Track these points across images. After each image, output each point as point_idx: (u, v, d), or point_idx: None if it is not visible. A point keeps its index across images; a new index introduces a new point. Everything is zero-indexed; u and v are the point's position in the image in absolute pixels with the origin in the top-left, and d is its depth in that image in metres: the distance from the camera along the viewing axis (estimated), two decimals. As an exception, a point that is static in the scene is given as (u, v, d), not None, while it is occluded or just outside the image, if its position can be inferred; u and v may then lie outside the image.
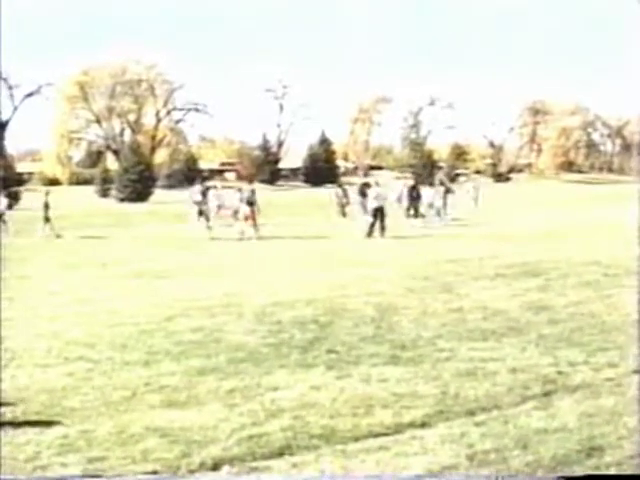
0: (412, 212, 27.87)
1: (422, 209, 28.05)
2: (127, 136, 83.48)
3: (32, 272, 15.54)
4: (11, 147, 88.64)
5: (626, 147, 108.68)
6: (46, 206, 25.16)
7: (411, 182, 30.73)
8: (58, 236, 24.34)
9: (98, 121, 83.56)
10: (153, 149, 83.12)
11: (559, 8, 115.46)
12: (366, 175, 77.13)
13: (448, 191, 30.67)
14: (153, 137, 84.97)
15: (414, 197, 27.96)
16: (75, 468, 5.17)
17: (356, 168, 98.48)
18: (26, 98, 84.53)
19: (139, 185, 63.18)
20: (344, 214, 30.28)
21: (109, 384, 7.06)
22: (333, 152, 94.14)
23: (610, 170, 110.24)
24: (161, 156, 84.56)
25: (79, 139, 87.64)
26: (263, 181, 79.90)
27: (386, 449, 5.40)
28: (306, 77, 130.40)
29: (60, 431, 5.80)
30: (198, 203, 24.02)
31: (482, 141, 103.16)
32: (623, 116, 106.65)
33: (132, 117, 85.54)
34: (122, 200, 61.25)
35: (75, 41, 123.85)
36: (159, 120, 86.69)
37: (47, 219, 25.09)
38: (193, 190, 25.22)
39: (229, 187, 35.44)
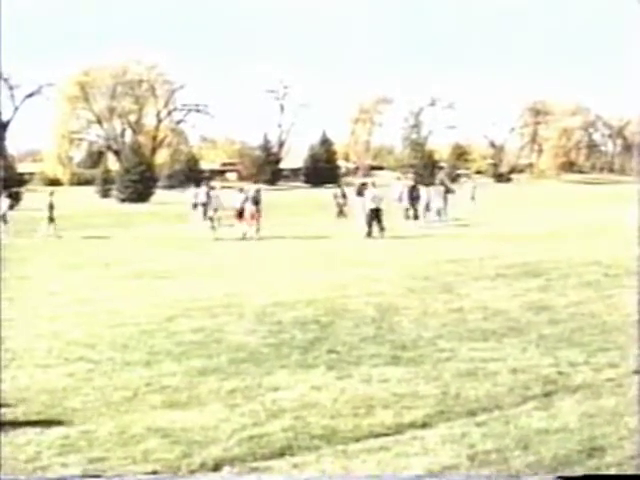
0: (412, 212, 27.86)
1: (422, 209, 28.06)
2: (128, 136, 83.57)
3: (33, 272, 15.54)
4: (12, 147, 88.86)
5: (627, 147, 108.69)
6: (50, 206, 25.32)
7: (411, 182, 30.72)
8: (58, 236, 24.40)
9: (99, 121, 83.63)
10: (154, 149, 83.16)
11: (559, 8, 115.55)
12: (367, 175, 77.09)
13: (448, 191, 30.68)
14: (154, 137, 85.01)
15: (414, 197, 27.96)
16: (76, 468, 5.16)
17: (357, 168, 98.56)
18: (27, 98, 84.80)
19: (140, 185, 63.17)
20: (342, 214, 30.29)
21: (110, 384, 7.06)
22: (334, 152, 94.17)
23: (611, 170, 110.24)
24: (162, 156, 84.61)
25: (80, 139, 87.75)
26: (264, 181, 79.84)
27: (387, 449, 5.40)
28: (307, 77, 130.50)
29: (61, 431, 5.81)
30: (203, 204, 24.04)
31: (483, 141, 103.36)
32: (624, 116, 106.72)
33: (133, 117, 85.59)
34: (123, 200, 61.27)
35: (76, 41, 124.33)
36: (160, 120, 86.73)
37: (51, 219, 25.22)
38: (199, 191, 25.23)
39: (229, 187, 35.49)
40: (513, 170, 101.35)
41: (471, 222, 26.89)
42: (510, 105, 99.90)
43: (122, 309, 10.88)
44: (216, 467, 5.19)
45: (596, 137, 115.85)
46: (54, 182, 73.66)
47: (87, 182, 78.55)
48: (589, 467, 5.02)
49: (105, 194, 68.31)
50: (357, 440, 5.58)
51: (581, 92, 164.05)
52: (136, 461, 5.26)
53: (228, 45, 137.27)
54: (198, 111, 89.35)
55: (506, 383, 6.83)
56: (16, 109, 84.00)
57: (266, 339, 8.71)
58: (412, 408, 6.21)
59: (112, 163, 79.19)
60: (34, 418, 6.14)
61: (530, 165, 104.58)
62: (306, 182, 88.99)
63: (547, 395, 6.49)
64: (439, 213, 28.72)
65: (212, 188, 28.30)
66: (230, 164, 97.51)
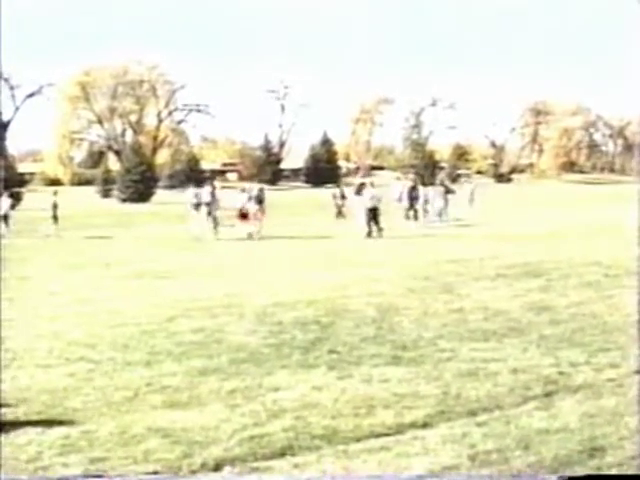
0: (412, 213, 27.85)
1: (422, 209, 28.07)
2: (129, 137, 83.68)
3: (33, 272, 15.55)
4: (13, 147, 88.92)
5: (628, 147, 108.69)
6: (54, 206, 25.54)
7: (410, 183, 30.70)
8: (59, 236, 24.49)
9: (100, 121, 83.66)
10: (155, 150, 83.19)
11: (559, 8, 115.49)
12: (368, 175, 77.09)
13: (449, 191, 30.66)
14: (155, 138, 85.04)
15: (414, 197, 27.96)
16: (77, 468, 5.16)
17: (358, 168, 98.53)
18: (27, 98, 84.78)
19: (141, 186, 63.25)
20: (341, 215, 30.29)
21: (110, 384, 7.06)
22: (335, 152, 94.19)
23: (612, 170, 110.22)
24: (163, 157, 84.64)
25: (81, 139, 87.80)
26: (265, 181, 79.80)
27: (388, 449, 5.40)
28: (308, 77, 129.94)
29: (61, 431, 5.80)
30: (207, 203, 24.05)
31: (484, 141, 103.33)
32: (625, 116, 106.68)
33: (134, 117, 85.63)
34: (124, 200, 61.34)
35: (76, 41, 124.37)
36: (161, 120, 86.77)
37: (56, 218, 25.41)
38: (199, 191, 25.24)
39: (229, 187, 35.49)
40: (514, 170, 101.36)
41: (471, 222, 26.89)
42: (511, 105, 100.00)
43: (123, 309, 10.89)
44: (217, 467, 5.19)
45: (597, 137, 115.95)
46: (55, 182, 73.64)
47: (88, 182, 78.58)
48: (590, 467, 5.02)
49: (106, 194, 68.37)
50: (358, 440, 5.58)
51: (582, 92, 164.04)
52: (137, 461, 5.26)
53: (229, 45, 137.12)
54: (199, 111, 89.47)
55: (507, 383, 6.83)
56: (17, 109, 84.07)
57: (267, 339, 8.72)
58: (413, 408, 6.21)
59: (113, 163, 79.27)
60: (35, 418, 6.14)
61: (531, 165, 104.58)
62: (307, 182, 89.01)
63: (548, 395, 6.49)
64: (439, 213, 28.75)
65: (214, 188, 28.30)
66: (231, 164, 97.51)
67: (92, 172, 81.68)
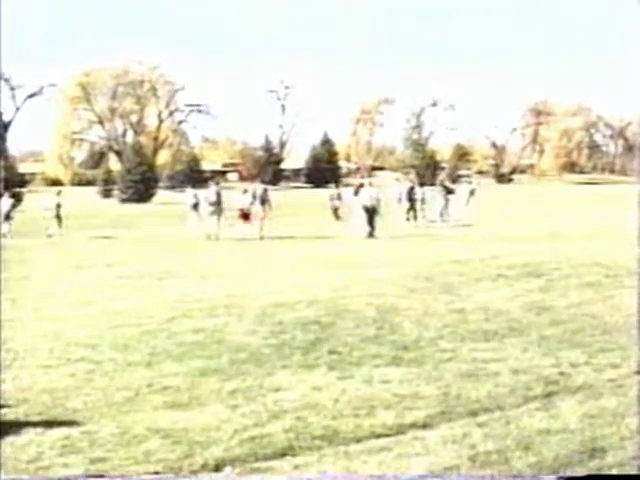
0: (412, 213, 27.84)
1: (420, 210, 28.06)
2: (129, 137, 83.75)
3: (34, 273, 15.56)
4: (13, 148, 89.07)
5: (628, 148, 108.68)
6: (58, 206, 25.71)
7: (408, 184, 30.64)
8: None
9: (100, 122, 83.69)
10: (155, 150, 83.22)
11: (559, 8, 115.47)
12: (368, 176, 77.11)
13: (449, 192, 30.64)
14: (155, 138, 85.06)
15: (413, 198, 27.95)
16: (77, 469, 5.17)
17: (358, 169, 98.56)
18: (28, 99, 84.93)
19: (141, 186, 63.31)
20: (337, 216, 30.27)
21: (111, 385, 7.07)
22: (335, 153, 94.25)
23: (612, 171, 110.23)
24: (163, 157, 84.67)
25: (81, 140, 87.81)
26: (265, 182, 79.87)
27: (388, 450, 5.40)
28: (308, 78, 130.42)
29: (62, 432, 5.81)
30: (212, 203, 24.07)
31: (484, 142, 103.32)
32: (625, 117, 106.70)
33: (134, 118, 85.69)
34: (124, 201, 61.39)
35: (77, 42, 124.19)
36: (161, 121, 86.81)
37: (59, 218, 25.53)
38: (209, 191, 25.27)
39: (230, 188, 35.49)
40: (514, 171, 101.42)
41: (472, 223, 26.89)
42: (511, 106, 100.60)
43: (123, 309, 10.89)
44: (217, 468, 5.19)
45: (597, 138, 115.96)
46: (55, 182, 73.70)
47: (88, 183, 78.69)
48: (590, 468, 5.03)
49: (106, 194, 68.44)
50: (358, 441, 5.58)
51: (582, 92, 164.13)
52: (137, 461, 5.26)
53: (229, 45, 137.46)
54: (199, 111, 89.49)
55: (507, 384, 6.83)
56: (17, 110, 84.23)
57: (267, 340, 8.72)
58: (413, 409, 6.21)
59: (113, 163, 79.41)
60: (35, 418, 6.15)
61: (531, 166, 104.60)
62: (307, 182, 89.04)
63: (548, 396, 6.49)
64: (440, 214, 28.75)
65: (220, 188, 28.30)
66: (231, 165, 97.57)
67: (93, 172, 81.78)
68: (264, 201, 23.67)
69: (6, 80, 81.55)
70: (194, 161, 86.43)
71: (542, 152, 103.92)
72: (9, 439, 5.67)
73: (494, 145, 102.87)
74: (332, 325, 9.45)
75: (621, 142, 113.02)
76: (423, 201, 28.34)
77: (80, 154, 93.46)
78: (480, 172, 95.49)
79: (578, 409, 6.12)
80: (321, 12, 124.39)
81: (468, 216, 29.07)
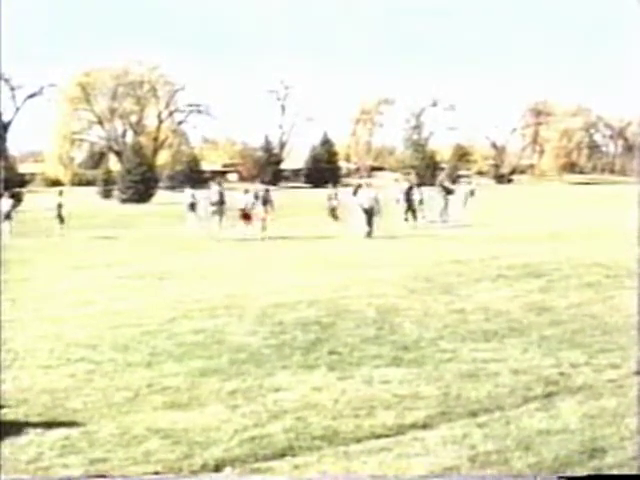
0: (411, 214, 27.82)
1: (420, 210, 28.05)
2: (129, 137, 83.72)
3: (34, 273, 15.55)
4: (13, 148, 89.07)
5: (628, 148, 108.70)
6: (59, 206, 25.76)
7: (407, 184, 30.62)
8: (60, 235, 24.59)
9: (100, 122, 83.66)
10: (155, 150, 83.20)
11: (560, 8, 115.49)
12: (368, 176, 77.12)
13: (449, 192, 30.62)
14: (155, 138, 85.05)
15: (412, 199, 27.93)
16: (77, 469, 5.17)
17: (358, 169, 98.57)
18: (28, 99, 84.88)
19: (141, 186, 63.31)
20: (335, 216, 30.25)
21: (111, 385, 7.07)
22: (335, 153, 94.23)
23: (612, 171, 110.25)
24: (163, 157, 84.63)
25: (81, 140, 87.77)
26: (265, 182, 79.89)
27: (388, 450, 5.40)
28: (308, 78, 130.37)
29: (62, 432, 5.81)
30: (213, 203, 24.09)
31: (484, 142, 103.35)
32: (625, 117, 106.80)
33: (134, 118, 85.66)
34: (124, 201, 61.40)
35: (77, 42, 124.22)
36: (161, 121, 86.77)
37: (61, 218, 25.57)
38: (211, 191, 25.29)
39: (230, 188, 35.44)
40: (514, 171, 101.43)
41: (472, 223, 26.89)
42: (511, 106, 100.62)
43: (124, 310, 10.89)
44: (217, 468, 5.19)
45: (597, 138, 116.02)
46: (55, 183, 73.76)
47: (88, 183, 78.65)
48: (590, 468, 5.03)
49: (106, 195, 68.42)
50: (358, 441, 5.58)
51: (582, 93, 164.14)
52: (137, 462, 5.26)
53: (229, 45, 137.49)
54: (199, 112, 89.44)
55: (507, 384, 6.83)
56: (17, 110, 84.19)
57: (267, 340, 8.72)
58: (413, 409, 6.21)
59: (113, 164, 79.37)
60: (35, 419, 6.15)
61: (531, 166, 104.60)
62: (307, 183, 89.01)
63: (548, 396, 6.49)
64: (440, 214, 28.74)
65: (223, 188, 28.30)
66: (231, 165, 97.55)
67: (93, 173, 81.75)
68: (266, 201, 23.69)
69: (6, 80, 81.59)
70: (194, 161, 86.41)
71: (542, 152, 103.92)
72: (9, 439, 5.67)
73: (494, 145, 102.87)
74: (332, 325, 9.45)
75: (621, 142, 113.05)
76: (421, 202, 28.34)
77: (80, 154, 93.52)
78: (480, 172, 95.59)
79: (578, 409, 6.12)
80: (321, 12, 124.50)
81: (468, 216, 29.09)
